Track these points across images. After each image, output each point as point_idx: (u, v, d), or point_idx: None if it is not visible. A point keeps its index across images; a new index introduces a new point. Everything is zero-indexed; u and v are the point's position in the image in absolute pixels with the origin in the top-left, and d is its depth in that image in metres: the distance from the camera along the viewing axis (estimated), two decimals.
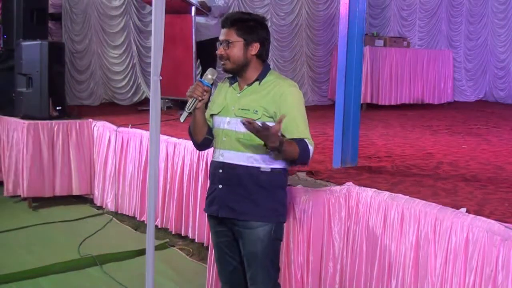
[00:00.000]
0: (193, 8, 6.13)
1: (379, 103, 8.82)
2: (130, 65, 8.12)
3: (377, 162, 4.56)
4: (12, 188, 5.94)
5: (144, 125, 5.55)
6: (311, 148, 2.81)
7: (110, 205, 5.79)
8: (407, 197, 3.25)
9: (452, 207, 3.06)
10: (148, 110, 3.04)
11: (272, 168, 2.85)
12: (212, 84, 2.87)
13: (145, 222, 4.89)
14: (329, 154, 4.32)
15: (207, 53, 6.41)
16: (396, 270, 3.18)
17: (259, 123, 2.59)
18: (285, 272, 3.53)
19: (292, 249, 3.54)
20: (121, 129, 5.72)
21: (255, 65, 2.86)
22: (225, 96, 2.91)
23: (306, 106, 2.93)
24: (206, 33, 6.53)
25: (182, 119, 2.89)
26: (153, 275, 3.06)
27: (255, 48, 2.83)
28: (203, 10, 6.34)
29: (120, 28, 8.03)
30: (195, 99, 2.83)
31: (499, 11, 11.00)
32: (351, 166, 4.27)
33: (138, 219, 5.47)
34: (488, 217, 2.90)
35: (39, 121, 5.90)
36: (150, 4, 3.25)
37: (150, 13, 7.52)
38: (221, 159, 2.88)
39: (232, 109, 2.85)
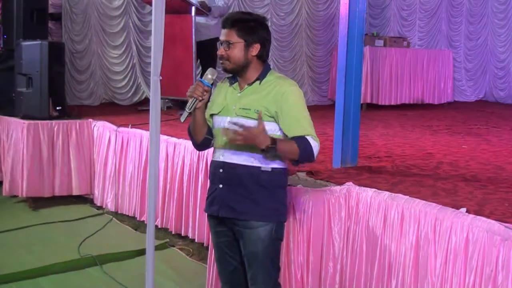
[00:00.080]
0: (193, 8, 6.14)
1: (379, 103, 8.82)
2: (130, 65, 8.12)
3: (377, 162, 4.56)
4: (12, 188, 5.93)
5: (144, 125, 5.55)
6: (315, 144, 2.79)
7: (110, 205, 5.79)
8: (407, 197, 3.25)
9: (452, 207, 3.06)
10: (148, 110, 3.04)
11: (272, 168, 2.85)
12: (212, 84, 2.87)
13: (145, 222, 4.89)
14: (329, 154, 4.32)
15: (207, 53, 6.42)
16: (396, 270, 3.18)
17: (238, 127, 2.61)
18: (285, 272, 3.53)
19: (292, 249, 3.54)
20: (121, 129, 5.72)
21: (255, 66, 2.86)
22: (225, 96, 2.91)
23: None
24: (206, 33, 6.53)
25: (182, 119, 2.90)
26: (153, 275, 3.06)
27: (255, 49, 2.83)
28: (203, 10, 6.34)
29: (120, 28, 8.03)
30: (195, 99, 2.83)
31: (499, 11, 11.00)
32: (351, 166, 4.27)
33: (138, 219, 5.47)
34: (488, 217, 2.90)
35: (39, 121, 5.90)
36: (150, 4, 3.25)
37: (150, 13, 7.52)
38: (221, 159, 2.88)
39: (233, 109, 2.85)
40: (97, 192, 6.00)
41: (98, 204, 5.98)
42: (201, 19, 6.50)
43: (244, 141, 2.65)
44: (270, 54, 3.22)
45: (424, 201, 3.16)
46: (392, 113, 8.21)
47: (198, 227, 4.71)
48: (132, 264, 4.64)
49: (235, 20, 2.82)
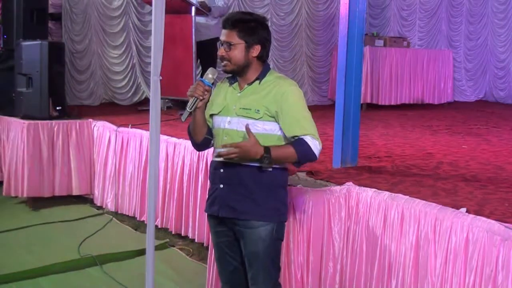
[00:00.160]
0: (193, 8, 6.14)
1: (379, 103, 8.82)
2: (130, 65, 8.12)
3: (377, 162, 4.56)
4: (12, 188, 5.92)
5: (144, 125, 5.55)
6: (315, 142, 2.78)
7: (110, 205, 5.79)
8: (407, 197, 3.25)
9: (452, 207, 3.06)
10: (148, 110, 3.04)
11: (273, 168, 2.85)
12: (213, 84, 2.87)
13: (145, 222, 4.89)
14: (329, 154, 4.32)
15: (207, 53, 6.42)
16: (396, 270, 3.18)
17: (224, 150, 2.66)
18: (285, 272, 3.53)
19: (292, 249, 3.54)
20: (121, 129, 5.72)
21: (255, 66, 2.86)
22: (225, 96, 2.91)
23: None
24: (206, 33, 6.53)
25: (183, 119, 2.90)
26: (153, 275, 3.06)
27: (256, 50, 2.83)
28: (203, 10, 6.34)
29: (120, 28, 8.03)
30: (196, 99, 2.83)
31: (499, 11, 11.00)
32: (351, 166, 4.27)
33: (138, 219, 5.47)
34: (488, 217, 2.90)
35: (39, 121, 5.90)
36: (150, 4, 3.25)
37: (150, 13, 7.52)
38: (222, 159, 2.88)
39: (233, 109, 2.85)
40: (97, 192, 6.00)
41: (98, 204, 5.98)
42: (201, 19, 6.50)
43: (239, 157, 2.69)
44: (270, 54, 3.22)
45: (424, 201, 3.16)
46: (392, 113, 8.21)
47: (198, 227, 4.71)
48: (132, 264, 4.64)
49: (236, 21, 2.81)
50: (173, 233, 5.03)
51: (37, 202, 5.96)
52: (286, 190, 2.99)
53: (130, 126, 5.70)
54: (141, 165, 5.37)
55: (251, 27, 2.81)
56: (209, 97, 2.89)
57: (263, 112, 2.79)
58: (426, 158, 4.79)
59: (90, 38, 7.86)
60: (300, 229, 3.53)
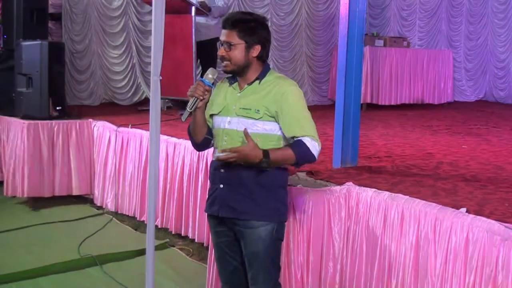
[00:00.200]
0: (193, 8, 6.14)
1: (379, 103, 8.82)
2: (130, 65, 8.12)
3: (377, 162, 4.56)
4: (12, 188, 5.93)
5: (144, 125, 5.55)
6: (314, 144, 2.79)
7: (110, 205, 5.79)
8: (407, 197, 3.25)
9: (452, 207, 3.06)
10: (148, 110, 3.04)
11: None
12: (213, 84, 2.87)
13: (145, 222, 4.89)
14: (329, 154, 4.32)
15: (207, 53, 6.42)
16: (396, 270, 3.18)
17: (222, 155, 2.67)
18: (285, 272, 3.53)
19: (292, 249, 3.54)
20: (121, 129, 5.72)
21: (255, 66, 2.86)
22: (225, 96, 2.91)
23: None
24: (206, 33, 6.53)
25: (183, 119, 2.91)
26: (153, 275, 3.06)
27: (256, 50, 2.83)
28: (203, 10, 6.34)
29: (120, 28, 8.03)
30: (196, 99, 2.83)
31: (499, 11, 11.00)
32: (351, 166, 4.27)
33: (138, 219, 5.47)
34: (488, 217, 2.90)
35: (39, 121, 5.90)
36: (150, 4, 3.26)
37: (149, 13, 7.52)
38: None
39: (233, 109, 2.85)
40: (97, 192, 6.00)
41: (98, 204, 5.98)
42: (201, 19, 6.50)
43: (238, 161, 2.70)
44: (270, 54, 3.23)
45: (424, 201, 3.16)
46: (392, 113, 8.21)
47: (198, 227, 4.71)
48: (132, 264, 4.64)
49: (236, 21, 2.81)
50: (173, 233, 5.03)
51: (37, 202, 5.97)
52: (286, 190, 2.99)
53: (130, 126, 5.70)
54: (141, 165, 5.37)
55: (251, 27, 2.81)
56: (209, 97, 2.89)
57: (263, 112, 2.79)
58: (426, 158, 4.79)
59: (90, 38, 7.86)
60: (300, 229, 3.53)
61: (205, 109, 2.93)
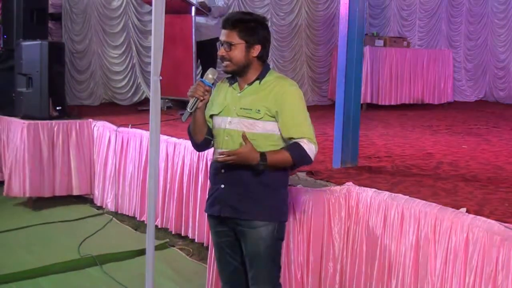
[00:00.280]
0: (193, 8, 6.14)
1: (379, 103, 8.81)
2: (130, 65, 8.12)
3: (377, 162, 4.56)
4: (12, 188, 5.93)
5: (144, 125, 5.55)
6: (311, 146, 2.80)
7: (110, 205, 5.79)
8: (407, 197, 3.25)
9: (452, 207, 3.06)
10: (148, 110, 3.04)
11: None
12: (213, 84, 2.87)
13: (145, 222, 4.89)
14: (329, 154, 4.32)
15: (207, 53, 6.42)
16: (396, 270, 3.18)
17: (221, 157, 2.70)
18: (285, 272, 3.53)
19: (292, 249, 3.54)
20: (121, 129, 5.72)
21: (255, 66, 2.86)
22: (225, 96, 2.91)
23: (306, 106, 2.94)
24: (206, 33, 6.53)
25: (184, 119, 2.91)
26: (153, 275, 3.06)
27: (256, 50, 2.82)
28: (203, 10, 6.35)
29: (120, 28, 8.03)
30: (196, 99, 2.83)
31: (499, 11, 11.00)
32: (351, 166, 4.27)
33: (138, 219, 5.47)
34: (488, 217, 2.90)
35: (39, 121, 5.90)
36: (150, 4, 3.26)
37: (149, 13, 7.52)
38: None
39: (233, 109, 2.85)
40: (97, 192, 6.00)
41: (98, 204, 5.98)
42: (201, 19, 6.51)
43: (236, 163, 2.72)
44: (270, 54, 3.23)
45: (424, 201, 3.16)
46: (392, 113, 8.21)
47: (198, 227, 4.71)
48: (132, 264, 4.64)
49: (236, 21, 2.81)
50: (173, 233, 5.03)
51: (37, 202, 5.97)
52: (287, 190, 2.99)
53: (130, 126, 5.70)
54: (141, 165, 5.37)
55: (251, 27, 2.81)
56: (209, 97, 2.89)
57: (264, 112, 2.79)
58: (426, 158, 4.79)
59: (90, 38, 7.86)
60: (300, 229, 3.53)
61: (205, 109, 2.93)
